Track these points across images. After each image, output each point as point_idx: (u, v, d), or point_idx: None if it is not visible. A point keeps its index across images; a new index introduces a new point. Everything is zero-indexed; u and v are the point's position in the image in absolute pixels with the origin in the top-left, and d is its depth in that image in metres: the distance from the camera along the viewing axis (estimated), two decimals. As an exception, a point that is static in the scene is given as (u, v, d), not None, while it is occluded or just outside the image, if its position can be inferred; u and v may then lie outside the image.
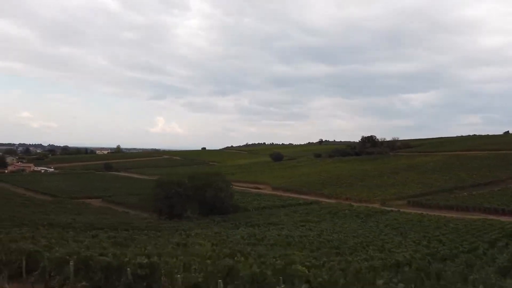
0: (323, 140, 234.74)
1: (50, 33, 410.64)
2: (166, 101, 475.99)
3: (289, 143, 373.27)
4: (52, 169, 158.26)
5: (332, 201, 63.69)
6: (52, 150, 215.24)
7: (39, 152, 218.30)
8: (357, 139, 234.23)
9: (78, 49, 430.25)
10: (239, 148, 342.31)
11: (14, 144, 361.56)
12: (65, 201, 64.96)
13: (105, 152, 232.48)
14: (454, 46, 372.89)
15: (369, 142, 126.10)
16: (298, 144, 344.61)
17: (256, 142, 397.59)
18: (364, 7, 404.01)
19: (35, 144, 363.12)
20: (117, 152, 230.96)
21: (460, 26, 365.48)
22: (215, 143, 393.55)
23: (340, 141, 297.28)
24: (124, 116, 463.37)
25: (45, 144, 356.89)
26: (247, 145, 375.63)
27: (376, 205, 57.26)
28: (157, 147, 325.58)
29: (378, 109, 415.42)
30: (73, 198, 69.99)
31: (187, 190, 49.05)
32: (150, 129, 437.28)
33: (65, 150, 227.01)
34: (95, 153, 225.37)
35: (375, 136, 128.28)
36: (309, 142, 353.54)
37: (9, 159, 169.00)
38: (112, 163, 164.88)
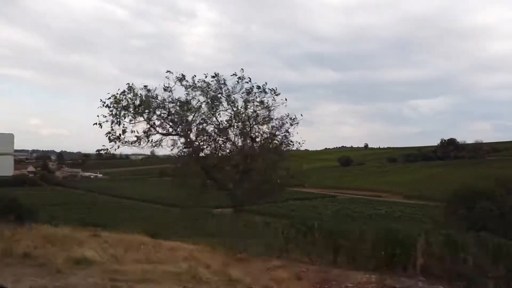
0: (330, 147, 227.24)
1: (61, 42, 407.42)
2: None
3: (305, 149, 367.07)
4: (101, 175, 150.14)
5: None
6: (86, 156, 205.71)
7: (73, 158, 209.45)
8: (362, 144, 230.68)
9: (88, 57, 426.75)
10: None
11: (27, 151, 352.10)
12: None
13: (139, 157, 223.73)
14: (463, 52, 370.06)
15: (451, 145, 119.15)
16: (315, 150, 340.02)
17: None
18: (372, 14, 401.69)
19: (48, 151, 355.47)
20: (152, 157, 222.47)
21: (470, 33, 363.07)
22: None
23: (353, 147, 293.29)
24: None
25: (58, 151, 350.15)
26: None
27: None
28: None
29: (387, 115, 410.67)
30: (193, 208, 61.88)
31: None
32: None
33: (99, 155, 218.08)
34: (128, 158, 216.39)
35: (455, 139, 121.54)
36: (326, 148, 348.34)
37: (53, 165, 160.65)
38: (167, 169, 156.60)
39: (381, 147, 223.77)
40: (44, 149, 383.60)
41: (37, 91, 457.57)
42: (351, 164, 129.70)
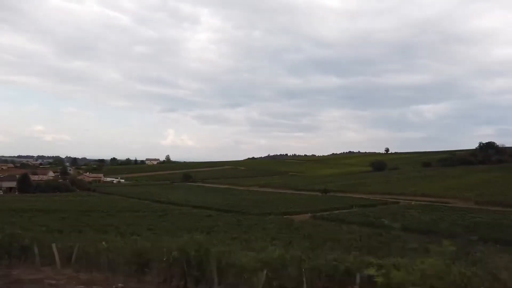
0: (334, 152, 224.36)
1: (65, 48, 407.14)
2: (177, 114, 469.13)
3: (312, 154, 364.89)
4: (123, 180, 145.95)
5: None
6: (101, 161, 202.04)
7: (86, 163, 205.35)
8: (368, 150, 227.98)
9: (92, 64, 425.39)
10: (275, 158, 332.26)
11: (33, 157, 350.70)
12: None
13: (154, 162, 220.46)
14: (467, 57, 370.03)
15: (492, 149, 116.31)
16: (322, 155, 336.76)
17: (278, 154, 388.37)
18: (375, 20, 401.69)
19: (52, 156, 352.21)
20: (168, 162, 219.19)
21: (473, 37, 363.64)
22: (226, 155, 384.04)
23: (365, 152, 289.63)
24: (135, 129, 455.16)
25: (63, 156, 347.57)
26: (269, 156, 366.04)
27: None
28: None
29: (390, 121, 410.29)
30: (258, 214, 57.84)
31: None
32: (161, 141, 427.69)
33: (114, 160, 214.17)
34: (144, 163, 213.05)
35: (495, 143, 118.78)
36: (333, 153, 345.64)
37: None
38: (190, 173, 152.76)
39: (398, 151, 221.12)
40: (49, 155, 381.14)
41: (41, 97, 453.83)
42: (385, 168, 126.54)
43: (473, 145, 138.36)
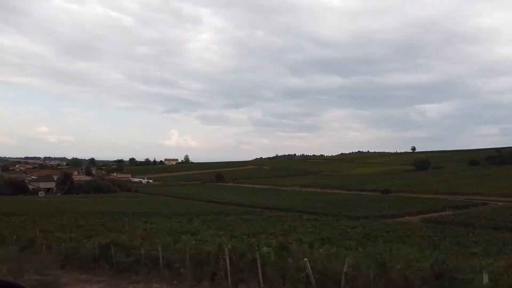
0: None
1: (67, 49, 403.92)
2: (180, 114, 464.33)
3: (320, 154, 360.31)
4: (151, 181, 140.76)
5: None
6: (120, 161, 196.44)
7: (105, 164, 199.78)
8: (376, 149, 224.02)
9: (94, 64, 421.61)
10: (282, 158, 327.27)
11: (39, 158, 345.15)
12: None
13: (173, 163, 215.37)
14: (470, 56, 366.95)
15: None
16: (330, 155, 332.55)
17: (286, 154, 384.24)
18: (377, 19, 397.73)
19: (59, 158, 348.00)
20: (187, 163, 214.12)
21: (476, 36, 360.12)
22: (229, 155, 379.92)
23: (374, 151, 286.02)
24: (139, 130, 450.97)
25: (69, 158, 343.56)
26: (277, 156, 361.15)
27: None
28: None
29: (393, 120, 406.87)
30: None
31: None
32: (164, 142, 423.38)
33: (133, 161, 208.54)
34: (164, 163, 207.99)
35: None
36: (342, 153, 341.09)
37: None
38: (222, 173, 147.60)
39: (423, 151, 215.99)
40: (55, 156, 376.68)
41: (44, 98, 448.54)
42: (429, 167, 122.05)
43: (476, 144, 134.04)
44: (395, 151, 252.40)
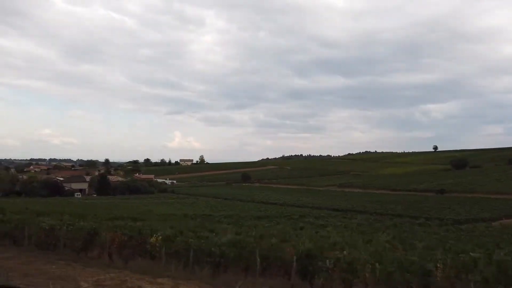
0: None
1: (71, 52, 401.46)
2: (183, 116, 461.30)
3: (327, 154, 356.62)
4: (174, 181, 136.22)
5: None
6: (135, 162, 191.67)
7: (120, 165, 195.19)
8: (382, 149, 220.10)
9: (98, 67, 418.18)
10: (290, 159, 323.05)
11: (45, 160, 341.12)
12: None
13: (188, 163, 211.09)
14: (475, 55, 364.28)
15: None
16: (337, 155, 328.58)
17: (293, 154, 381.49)
18: (381, 19, 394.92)
19: (65, 159, 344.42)
20: (202, 163, 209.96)
21: (481, 35, 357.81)
22: (233, 157, 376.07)
23: (382, 151, 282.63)
24: (142, 132, 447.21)
25: (74, 159, 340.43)
26: (284, 157, 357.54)
27: None
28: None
29: (397, 120, 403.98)
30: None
31: None
32: (168, 143, 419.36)
33: (148, 161, 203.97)
34: (179, 164, 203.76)
35: None
36: (349, 153, 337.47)
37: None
38: (249, 173, 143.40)
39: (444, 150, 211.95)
40: (60, 158, 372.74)
41: (49, 101, 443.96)
42: (467, 166, 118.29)
43: (481, 144, 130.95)
44: (405, 151, 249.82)
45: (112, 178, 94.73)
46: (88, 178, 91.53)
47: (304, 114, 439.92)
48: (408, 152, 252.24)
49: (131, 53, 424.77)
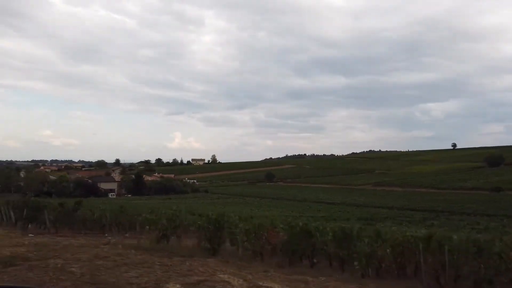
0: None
1: (71, 53, 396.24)
2: (184, 116, 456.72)
3: (330, 154, 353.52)
4: (194, 181, 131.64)
5: None
6: (147, 162, 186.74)
7: (131, 165, 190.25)
8: (385, 148, 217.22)
9: (99, 67, 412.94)
10: (305, 158, 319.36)
11: (46, 161, 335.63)
12: None
13: (200, 163, 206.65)
14: (475, 54, 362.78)
15: None
16: (341, 154, 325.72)
17: (296, 154, 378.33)
18: (381, 18, 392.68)
19: (66, 160, 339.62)
20: (214, 163, 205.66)
21: (482, 34, 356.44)
22: (235, 157, 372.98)
23: (386, 150, 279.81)
24: (142, 132, 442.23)
25: (76, 160, 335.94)
26: (287, 157, 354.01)
27: None
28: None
29: (398, 120, 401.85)
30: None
31: None
32: (168, 144, 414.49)
33: (159, 161, 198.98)
34: (191, 164, 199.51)
35: None
36: (352, 153, 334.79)
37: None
38: (273, 172, 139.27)
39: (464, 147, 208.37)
40: (62, 159, 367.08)
41: (49, 102, 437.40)
42: (502, 163, 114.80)
43: (482, 143, 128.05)
44: (409, 150, 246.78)
45: (146, 178, 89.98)
46: (117, 178, 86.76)
47: (304, 114, 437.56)
48: (419, 150, 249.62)
49: (131, 53, 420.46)
